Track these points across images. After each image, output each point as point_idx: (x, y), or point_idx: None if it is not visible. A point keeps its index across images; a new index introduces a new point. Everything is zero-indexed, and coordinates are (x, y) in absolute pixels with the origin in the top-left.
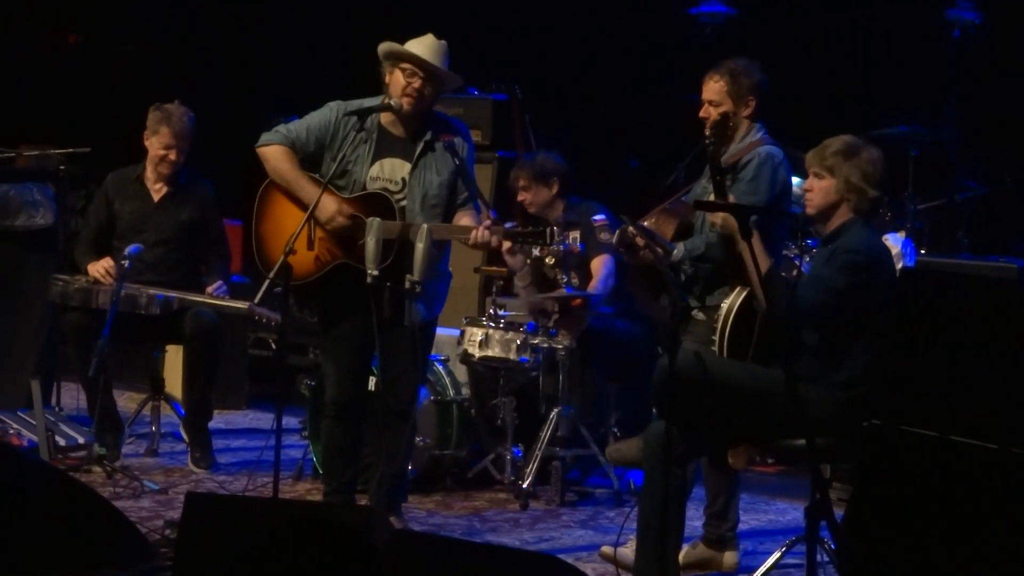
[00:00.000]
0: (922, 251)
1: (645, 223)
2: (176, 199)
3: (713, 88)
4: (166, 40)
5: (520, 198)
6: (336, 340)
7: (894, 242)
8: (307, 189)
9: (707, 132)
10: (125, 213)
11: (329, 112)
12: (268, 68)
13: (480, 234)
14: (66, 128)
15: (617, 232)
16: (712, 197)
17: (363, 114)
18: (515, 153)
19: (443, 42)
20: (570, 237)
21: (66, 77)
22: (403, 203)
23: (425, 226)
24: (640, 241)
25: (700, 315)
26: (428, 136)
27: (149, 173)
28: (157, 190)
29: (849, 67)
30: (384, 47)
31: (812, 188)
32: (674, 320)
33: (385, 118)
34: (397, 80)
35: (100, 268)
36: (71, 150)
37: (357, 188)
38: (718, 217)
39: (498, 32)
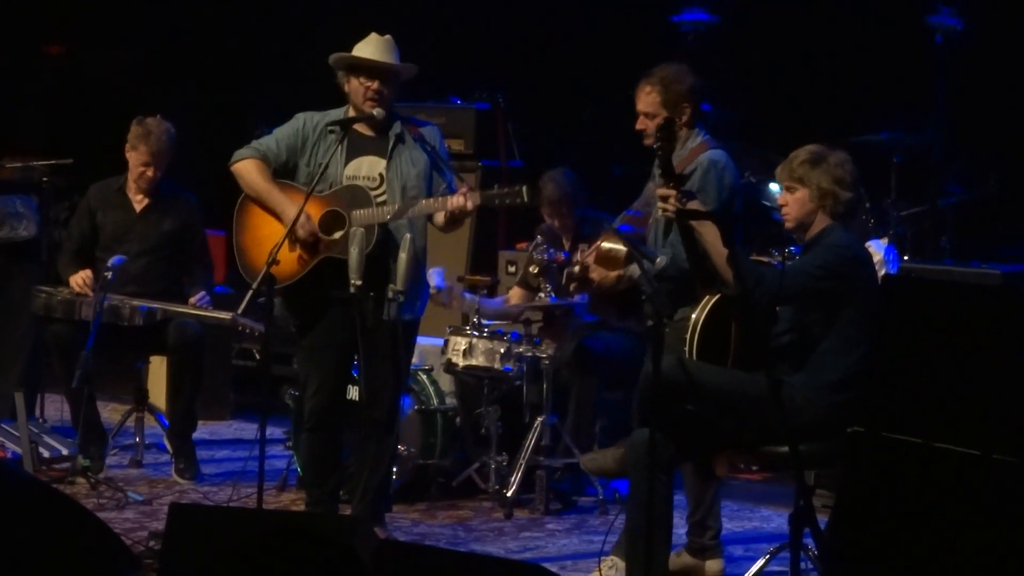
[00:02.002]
0: (905, 257)
1: (603, 243)
2: (158, 210)
3: (646, 100)
4: (149, 50)
5: (559, 224)
6: (315, 349)
7: (877, 248)
8: (279, 198)
9: (654, 138)
10: (107, 224)
11: (297, 122)
12: (253, 77)
13: (456, 200)
14: (49, 139)
15: (565, 273)
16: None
17: (345, 124)
18: (498, 162)
19: (387, 37)
20: (579, 250)
21: (49, 88)
22: (382, 198)
23: (408, 235)
24: (592, 272)
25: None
26: (397, 130)
27: (131, 184)
28: (139, 201)
29: (831, 73)
30: (334, 57)
31: (787, 202)
32: (658, 327)
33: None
34: (356, 88)
35: (79, 279)
36: (54, 162)
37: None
38: (669, 205)
39: (481, 41)
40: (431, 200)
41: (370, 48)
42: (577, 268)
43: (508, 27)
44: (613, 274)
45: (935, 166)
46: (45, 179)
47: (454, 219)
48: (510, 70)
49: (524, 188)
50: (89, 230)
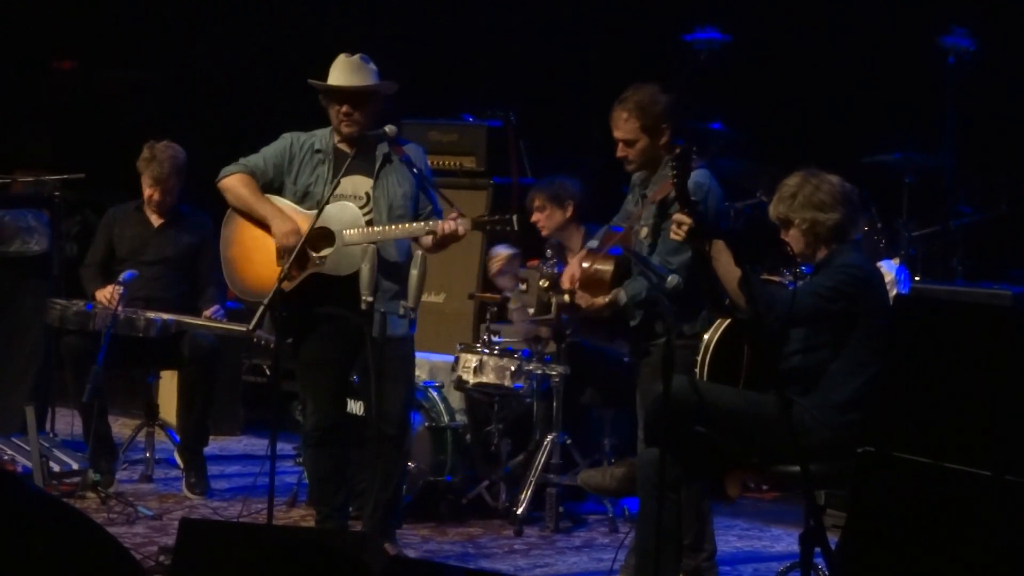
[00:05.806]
0: (917, 278)
1: (585, 264)
2: (176, 225)
3: (624, 127)
4: (161, 67)
5: (534, 219)
6: (311, 366)
7: (888, 269)
8: (268, 209)
9: (671, 167)
10: (125, 238)
11: (284, 141)
12: (262, 95)
13: (447, 225)
14: (61, 154)
15: (555, 302)
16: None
17: (337, 155)
18: (510, 179)
19: (355, 57)
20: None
21: (61, 103)
22: (368, 216)
23: (420, 253)
24: (578, 299)
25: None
26: (385, 149)
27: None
28: (156, 219)
29: (843, 94)
30: (310, 84)
31: (787, 240)
32: (668, 347)
33: (339, 138)
34: (331, 111)
35: (106, 294)
36: (66, 176)
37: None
38: (681, 232)
39: (493, 59)
40: (421, 224)
41: (336, 72)
42: (566, 296)
43: (520, 45)
44: (600, 301)
45: (947, 187)
46: (57, 194)
47: (442, 243)
48: (522, 88)
49: (515, 216)
50: (110, 245)
